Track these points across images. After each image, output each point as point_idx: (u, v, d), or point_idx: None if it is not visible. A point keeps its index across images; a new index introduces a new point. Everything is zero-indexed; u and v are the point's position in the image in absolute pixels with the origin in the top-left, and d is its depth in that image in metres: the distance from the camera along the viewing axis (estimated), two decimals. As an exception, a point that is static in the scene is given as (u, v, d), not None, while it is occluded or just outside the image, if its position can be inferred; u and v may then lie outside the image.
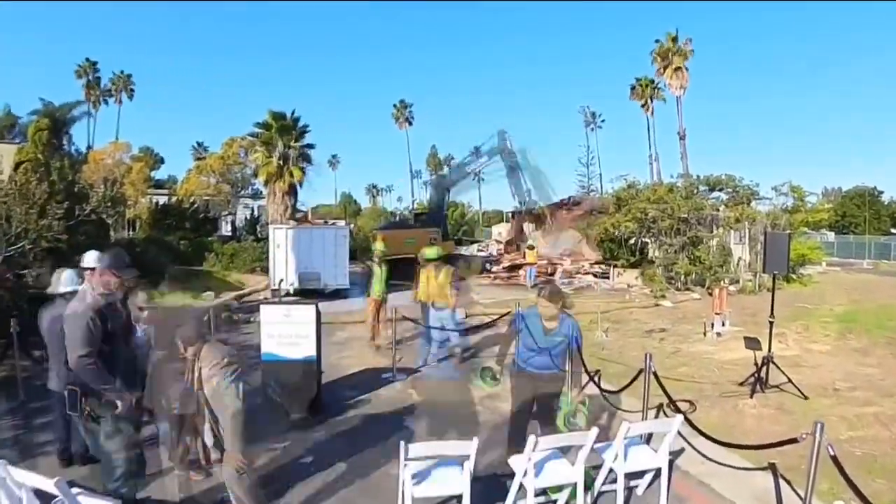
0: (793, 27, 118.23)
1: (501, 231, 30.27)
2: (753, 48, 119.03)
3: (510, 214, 33.62)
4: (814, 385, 7.71)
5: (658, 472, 4.49)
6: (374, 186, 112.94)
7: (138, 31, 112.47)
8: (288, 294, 17.25)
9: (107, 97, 57.75)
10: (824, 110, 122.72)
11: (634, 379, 6.00)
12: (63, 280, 5.04)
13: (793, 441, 4.12)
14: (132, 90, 59.01)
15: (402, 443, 3.80)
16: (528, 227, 28.89)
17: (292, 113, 26.15)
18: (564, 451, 4.45)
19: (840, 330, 11.68)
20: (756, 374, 7.44)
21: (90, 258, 4.83)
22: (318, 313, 6.66)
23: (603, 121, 71.85)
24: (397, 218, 52.84)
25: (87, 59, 55.51)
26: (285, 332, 6.50)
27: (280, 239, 17.96)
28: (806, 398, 7.14)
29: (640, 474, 4.63)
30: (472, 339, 10.92)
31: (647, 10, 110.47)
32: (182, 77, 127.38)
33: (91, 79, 55.35)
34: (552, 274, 22.75)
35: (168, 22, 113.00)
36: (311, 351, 6.49)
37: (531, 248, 23.27)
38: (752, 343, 7.77)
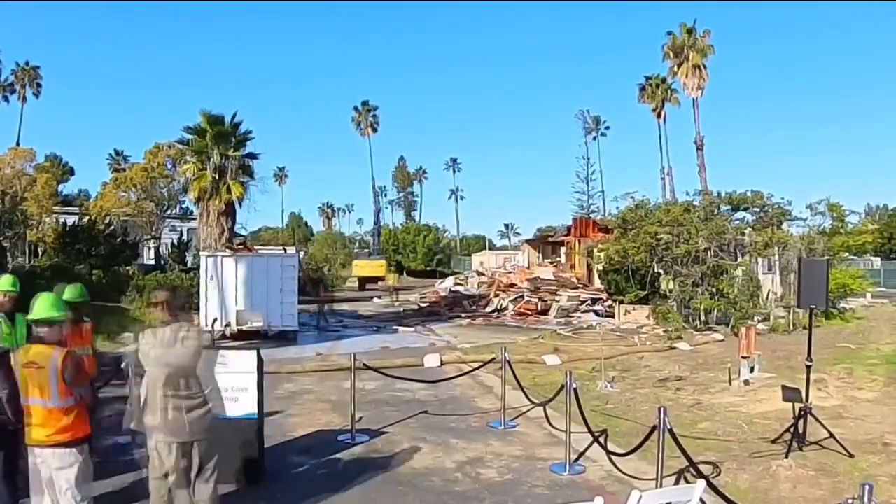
0: (826, 18, 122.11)
1: (483, 261, 30.08)
2: (780, 43, 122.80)
3: (523, 241, 33.68)
4: (860, 440, 7.78)
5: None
6: (330, 206, 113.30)
7: (48, 15, 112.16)
8: (223, 337, 17.00)
9: (8, 93, 57.12)
10: (867, 115, 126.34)
11: (646, 438, 5.99)
12: None
13: (836, 508, 4.14)
14: (39, 85, 58.33)
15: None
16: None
17: (232, 116, 25.91)
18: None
19: (889, 373, 11.84)
20: (792, 429, 7.49)
21: None
22: (261, 361, 6.58)
23: (608, 128, 73.45)
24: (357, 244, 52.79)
25: (-15, 47, 55.13)
26: (220, 385, 6.36)
27: (214, 269, 17.76)
28: (851, 456, 7.19)
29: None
30: (447, 392, 10.86)
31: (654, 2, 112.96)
32: (99, 71, 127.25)
33: (-11, 70, 54.84)
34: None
35: (84, 6, 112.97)
36: (251, 407, 6.39)
37: None
38: (790, 394, 7.80)
